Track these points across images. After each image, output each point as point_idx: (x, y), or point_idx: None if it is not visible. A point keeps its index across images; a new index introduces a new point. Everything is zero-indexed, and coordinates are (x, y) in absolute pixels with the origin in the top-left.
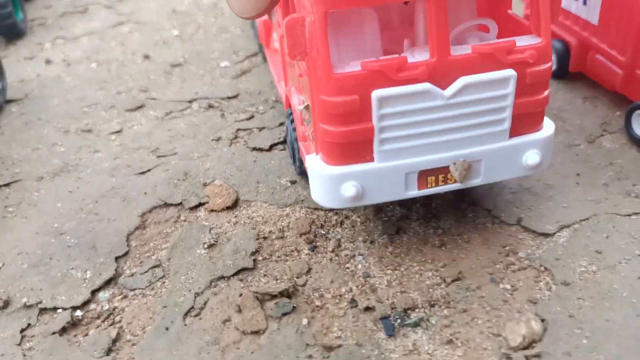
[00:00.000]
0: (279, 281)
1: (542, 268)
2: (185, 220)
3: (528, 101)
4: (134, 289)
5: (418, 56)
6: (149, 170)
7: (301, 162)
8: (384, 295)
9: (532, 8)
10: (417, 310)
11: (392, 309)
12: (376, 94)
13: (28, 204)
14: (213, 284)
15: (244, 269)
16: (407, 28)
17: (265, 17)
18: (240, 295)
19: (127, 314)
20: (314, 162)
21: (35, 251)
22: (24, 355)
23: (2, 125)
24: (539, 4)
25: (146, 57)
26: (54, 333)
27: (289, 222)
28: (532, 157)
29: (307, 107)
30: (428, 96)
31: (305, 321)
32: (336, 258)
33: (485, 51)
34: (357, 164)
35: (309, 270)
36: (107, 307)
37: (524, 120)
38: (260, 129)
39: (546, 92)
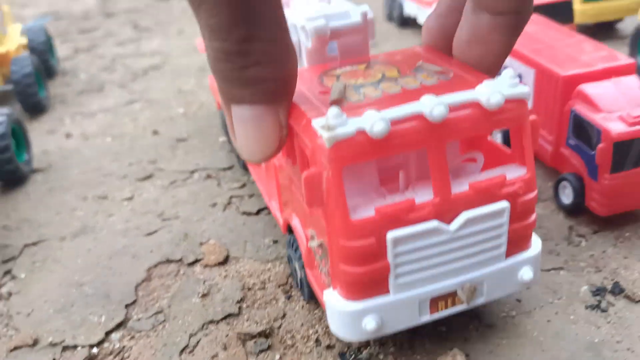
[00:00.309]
0: (258, 324)
1: (473, 314)
2: (184, 274)
3: (519, 226)
4: (140, 331)
5: (421, 194)
6: (155, 231)
7: (309, 288)
8: None
9: (514, 140)
10: (369, 347)
11: (349, 347)
12: (391, 235)
13: (52, 260)
14: (205, 326)
15: (230, 315)
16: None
17: None
18: (227, 335)
19: (134, 351)
20: (333, 299)
21: (59, 299)
22: None
23: (29, 191)
24: (522, 138)
25: (155, 132)
26: None
27: (270, 275)
28: (526, 273)
29: (320, 245)
30: (436, 232)
31: (277, 357)
32: (307, 305)
33: (481, 187)
34: (375, 297)
35: (284, 315)
36: (118, 345)
37: (516, 242)
38: (250, 195)
39: (533, 217)
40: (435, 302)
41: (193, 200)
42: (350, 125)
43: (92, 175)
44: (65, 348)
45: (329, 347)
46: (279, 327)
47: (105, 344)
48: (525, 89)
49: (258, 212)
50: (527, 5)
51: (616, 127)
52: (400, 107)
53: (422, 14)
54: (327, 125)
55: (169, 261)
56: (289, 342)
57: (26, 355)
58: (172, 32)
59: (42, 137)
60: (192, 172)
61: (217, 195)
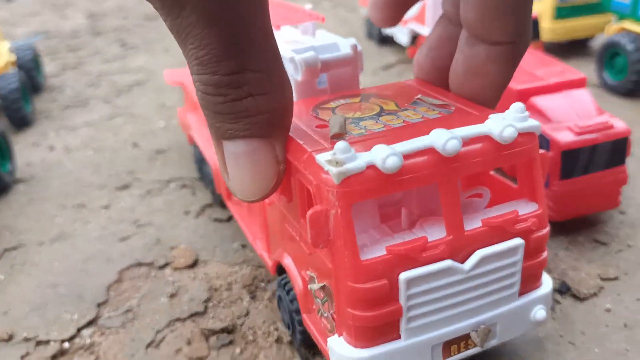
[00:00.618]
0: (222, 321)
1: None
2: (154, 276)
3: (532, 264)
4: (110, 327)
5: (430, 232)
6: (129, 237)
7: (303, 332)
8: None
9: (523, 174)
10: None
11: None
12: (404, 276)
13: (31, 264)
14: (171, 324)
15: (196, 313)
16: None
17: None
18: (191, 332)
19: (104, 346)
20: (339, 346)
21: (35, 299)
22: None
23: (11, 200)
24: (533, 172)
25: (135, 145)
26: (46, 358)
27: (237, 277)
28: (539, 313)
29: (323, 288)
30: (450, 272)
31: (238, 350)
32: (270, 304)
33: (495, 224)
34: (385, 343)
35: (247, 313)
36: (88, 341)
37: (528, 280)
38: (223, 204)
39: (545, 254)
40: (447, 346)
41: (168, 209)
42: (360, 160)
43: (72, 185)
44: (38, 343)
45: (289, 342)
46: (242, 324)
47: (77, 339)
48: (536, 123)
49: (229, 219)
50: (525, 34)
51: (564, 137)
52: (410, 141)
53: (399, 32)
54: (335, 160)
55: (140, 264)
56: (250, 337)
57: (1, 349)
58: (158, 49)
59: (27, 149)
60: (169, 182)
61: (191, 204)
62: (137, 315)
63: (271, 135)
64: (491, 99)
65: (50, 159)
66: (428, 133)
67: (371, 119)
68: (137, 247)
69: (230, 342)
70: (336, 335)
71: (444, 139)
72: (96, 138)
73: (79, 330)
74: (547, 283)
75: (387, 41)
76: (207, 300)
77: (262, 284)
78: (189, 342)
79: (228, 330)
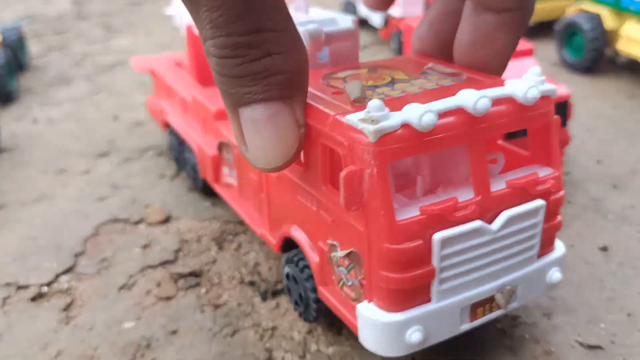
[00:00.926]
0: (191, 268)
1: None
2: (129, 231)
3: (549, 226)
4: (86, 274)
5: (456, 195)
6: (106, 197)
7: (318, 308)
8: (264, 275)
9: (537, 139)
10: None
11: (267, 283)
12: (438, 236)
13: (13, 221)
14: (143, 270)
15: (167, 261)
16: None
17: (214, 151)
18: (161, 276)
19: (80, 289)
20: (370, 312)
21: (16, 251)
22: (4, 313)
23: None
24: (549, 136)
25: (115, 117)
26: (26, 300)
27: (206, 231)
28: (555, 275)
29: (349, 255)
30: (479, 233)
31: (203, 291)
32: (236, 253)
33: (519, 185)
34: (416, 307)
35: (215, 261)
36: (66, 285)
37: (545, 242)
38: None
39: (560, 217)
40: (474, 308)
41: (144, 173)
42: (394, 118)
43: (54, 153)
44: (18, 287)
45: (251, 283)
46: (209, 270)
47: (55, 284)
48: (552, 87)
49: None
50: (531, 0)
51: None
52: (441, 101)
53: (373, 15)
54: (371, 118)
55: (116, 220)
56: (216, 280)
57: None
58: (141, 32)
59: (11, 122)
60: (146, 150)
61: (167, 169)
62: (111, 264)
63: (290, 97)
64: (498, 67)
65: (33, 131)
66: (444, 96)
67: (386, 86)
68: (114, 205)
69: (197, 284)
70: (365, 302)
71: (475, 98)
72: (78, 112)
73: (57, 276)
74: (560, 246)
75: (361, 24)
76: (178, 251)
77: (230, 237)
78: (158, 285)
79: (195, 274)
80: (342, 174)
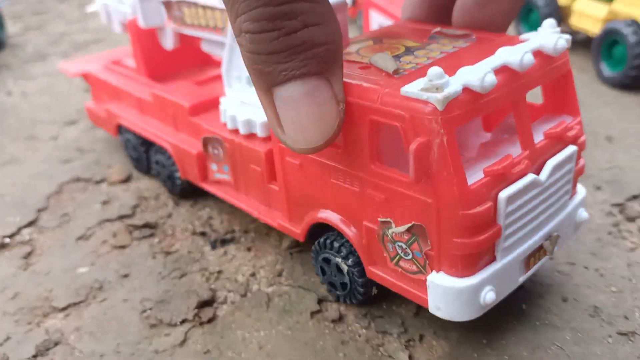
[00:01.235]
0: (146, 221)
1: None
2: (91, 189)
3: (578, 169)
4: (47, 227)
5: (504, 152)
6: (72, 160)
7: (364, 290)
8: (216, 227)
9: (556, 89)
10: (234, 234)
11: (218, 233)
12: (503, 194)
13: None
14: (101, 223)
15: (125, 215)
16: None
17: (198, 149)
18: (118, 228)
19: (40, 241)
20: (443, 280)
21: None
22: None
23: None
24: (570, 88)
25: (87, 90)
26: None
27: (164, 190)
28: (582, 214)
29: (410, 229)
30: (533, 185)
31: (157, 240)
32: (192, 209)
33: (556, 135)
34: (485, 268)
35: (170, 215)
36: (27, 237)
37: (573, 185)
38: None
39: (583, 161)
40: (528, 259)
41: (109, 139)
42: (455, 83)
43: (25, 122)
44: None
45: (202, 234)
46: (164, 223)
47: (17, 236)
48: (567, 36)
49: None
50: None
51: None
52: (487, 61)
53: None
54: (435, 87)
55: (79, 179)
56: (170, 232)
57: None
58: None
59: None
60: None
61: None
62: (72, 218)
63: (328, 72)
64: (502, 26)
65: (7, 102)
66: (476, 59)
67: (406, 55)
68: (78, 167)
69: (151, 235)
70: (433, 272)
71: (520, 54)
72: (52, 85)
73: (19, 229)
74: (581, 188)
75: None
76: (136, 206)
77: (187, 194)
78: (114, 235)
79: (150, 226)
80: (413, 147)
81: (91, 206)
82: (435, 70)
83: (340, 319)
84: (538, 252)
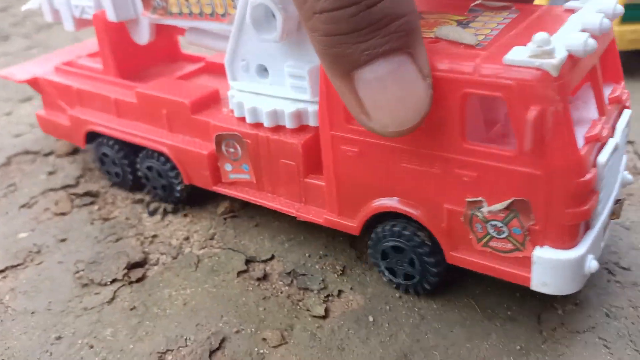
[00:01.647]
0: (88, 190)
1: None
2: (39, 162)
3: (625, 133)
4: None
5: (584, 116)
6: (23, 134)
7: (438, 279)
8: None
9: (601, 61)
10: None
11: (155, 202)
12: (601, 159)
13: None
14: (45, 192)
15: (68, 185)
16: None
17: (209, 149)
18: (60, 196)
19: None
20: (552, 254)
21: None
22: None
23: None
24: (616, 56)
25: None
26: None
27: None
28: (627, 177)
29: (509, 206)
30: (612, 147)
31: (96, 208)
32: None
33: (617, 100)
34: (586, 236)
35: (113, 185)
36: None
37: None
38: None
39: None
40: (607, 223)
41: None
42: (561, 49)
43: None
44: None
45: (141, 201)
46: (106, 192)
47: None
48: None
49: None
50: None
51: None
52: (566, 26)
53: None
54: (545, 52)
55: (28, 152)
56: (110, 200)
57: None
58: None
59: None
60: None
61: None
62: (17, 188)
63: (410, 46)
64: None
65: None
66: (540, 28)
67: (465, 27)
68: (28, 140)
69: (92, 203)
70: (537, 248)
71: (599, 19)
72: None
73: None
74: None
75: None
76: (80, 177)
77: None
78: (56, 203)
79: (92, 195)
80: (531, 115)
81: (37, 177)
82: (541, 35)
83: (264, 277)
84: (609, 216)
